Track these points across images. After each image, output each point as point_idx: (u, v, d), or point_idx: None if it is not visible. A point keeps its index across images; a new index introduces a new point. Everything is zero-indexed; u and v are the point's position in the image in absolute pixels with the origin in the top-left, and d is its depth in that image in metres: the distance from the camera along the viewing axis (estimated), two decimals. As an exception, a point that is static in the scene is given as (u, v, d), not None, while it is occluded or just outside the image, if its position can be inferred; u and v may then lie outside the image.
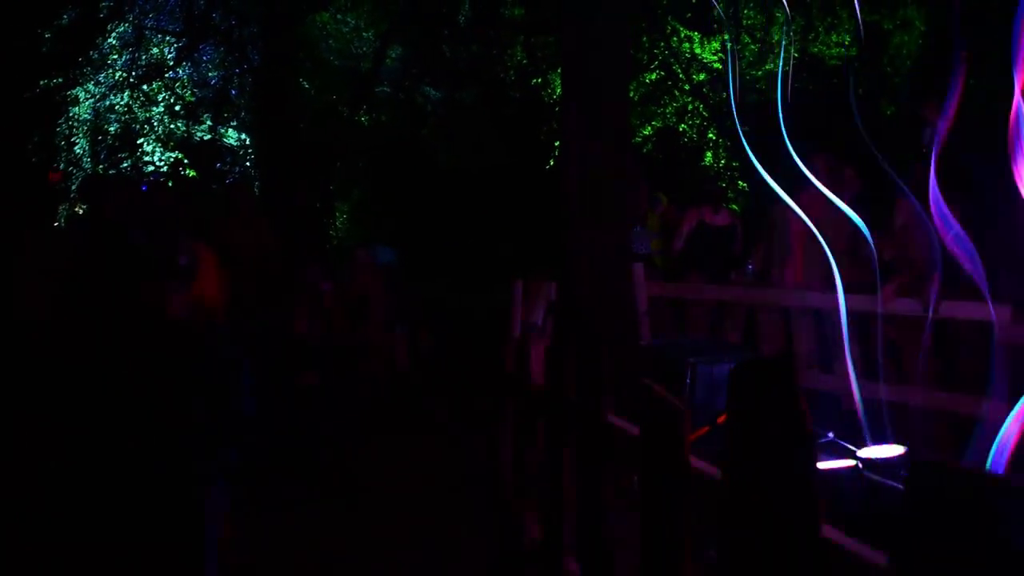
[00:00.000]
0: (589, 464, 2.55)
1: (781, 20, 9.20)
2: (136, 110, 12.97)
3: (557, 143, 9.09)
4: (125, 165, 13.14)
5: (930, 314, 4.65)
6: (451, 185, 13.46)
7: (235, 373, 3.89)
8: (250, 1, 12.17)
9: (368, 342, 7.21)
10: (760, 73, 10.54)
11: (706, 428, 3.21)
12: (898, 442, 3.88)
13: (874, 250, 4.88)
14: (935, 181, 3.51)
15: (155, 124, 13.06)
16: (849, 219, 4.22)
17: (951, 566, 1.07)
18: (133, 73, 12.83)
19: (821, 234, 4.25)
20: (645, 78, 10.45)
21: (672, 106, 10.60)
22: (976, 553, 1.06)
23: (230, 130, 14.05)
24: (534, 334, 3.53)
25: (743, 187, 10.30)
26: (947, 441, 4.59)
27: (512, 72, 12.20)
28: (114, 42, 12.75)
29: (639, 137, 10.76)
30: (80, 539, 2.78)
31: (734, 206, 10.73)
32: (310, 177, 12.27)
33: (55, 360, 3.01)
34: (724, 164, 10.42)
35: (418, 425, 5.91)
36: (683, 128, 10.61)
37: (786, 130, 4.18)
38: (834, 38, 9.64)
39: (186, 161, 13.26)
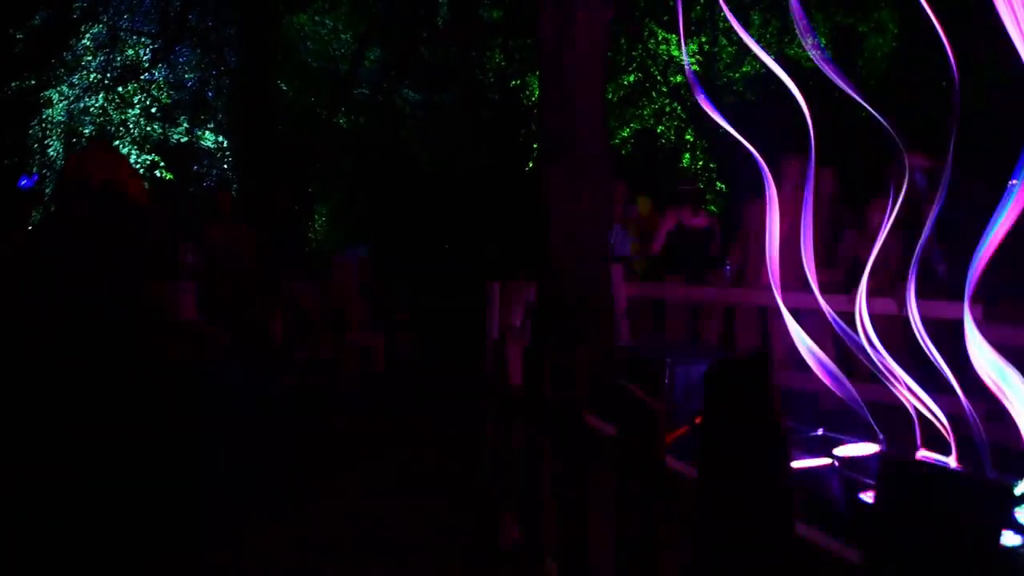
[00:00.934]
0: (568, 465, 2.55)
1: (757, 23, 9.28)
2: (111, 112, 12.83)
3: (536, 144, 9.12)
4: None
5: (905, 313, 4.71)
6: (431, 187, 13.44)
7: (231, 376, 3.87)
8: (227, 2, 12.10)
9: (346, 345, 7.19)
10: (737, 75, 10.61)
11: (684, 428, 3.23)
12: (876, 439, 3.92)
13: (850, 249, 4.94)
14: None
15: (131, 126, 12.93)
16: (824, 220, 4.26)
17: (922, 562, 1.08)
18: (108, 75, 12.70)
19: (795, 233, 4.29)
20: (623, 80, 10.49)
21: (650, 108, 10.65)
22: (946, 548, 1.07)
23: (207, 132, 13.95)
24: (512, 335, 3.54)
25: (721, 188, 10.37)
26: (925, 438, 4.63)
27: (491, 74, 12.20)
28: (88, 43, 12.62)
29: (618, 139, 10.80)
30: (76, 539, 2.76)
31: (712, 207, 10.80)
32: (289, 179, 12.21)
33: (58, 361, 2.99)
34: (702, 166, 10.49)
35: (395, 427, 5.89)
36: (661, 130, 10.67)
37: (760, 131, 4.21)
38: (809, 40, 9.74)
39: (162, 164, 13.14)
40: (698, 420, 3.34)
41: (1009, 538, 2.66)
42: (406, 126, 13.73)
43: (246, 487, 4.25)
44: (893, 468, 1.15)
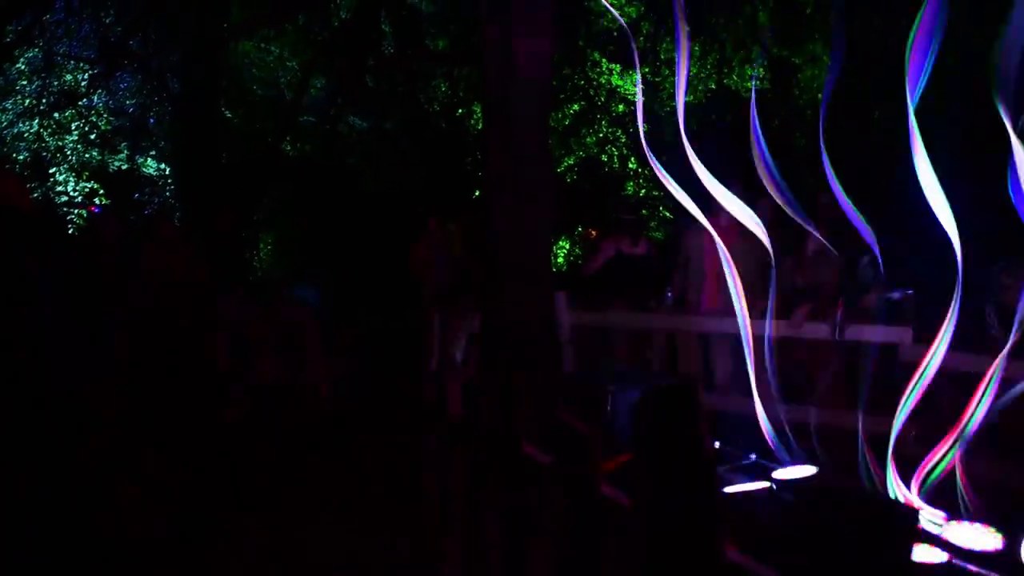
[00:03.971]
0: (507, 494, 2.56)
1: (698, 54, 9.52)
2: (47, 138, 12.54)
3: (481, 173, 9.17)
4: (36, 195, 12.67)
5: (837, 337, 4.85)
6: (379, 214, 13.38)
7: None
8: (171, 29, 11.96)
9: (292, 376, 7.09)
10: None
11: (625, 456, 3.25)
12: (812, 462, 4.00)
13: (786, 275, 5.05)
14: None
15: (68, 153, 12.64)
16: (762, 246, 4.36)
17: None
18: (44, 100, 12.42)
19: (734, 261, 4.37)
20: (568, 109, 10.65)
21: (594, 137, 10.82)
22: (862, 569, 1.11)
23: (149, 159, 13.71)
24: (453, 365, 3.54)
25: (664, 215, 10.56)
26: (859, 460, 4.73)
27: (436, 103, 12.26)
28: (23, 67, 12.33)
29: (563, 166, 10.94)
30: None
31: (658, 233, 10.96)
32: (233, 207, 12.04)
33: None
34: (645, 193, 10.68)
35: (340, 459, 5.82)
36: (605, 158, 10.84)
37: (699, 159, 4.30)
38: (748, 71, 10.01)
39: (101, 191, 12.86)
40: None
41: (934, 554, 2.75)
42: (354, 153, 13.69)
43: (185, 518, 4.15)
44: (808, 492, 1.19)
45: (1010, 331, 3.15)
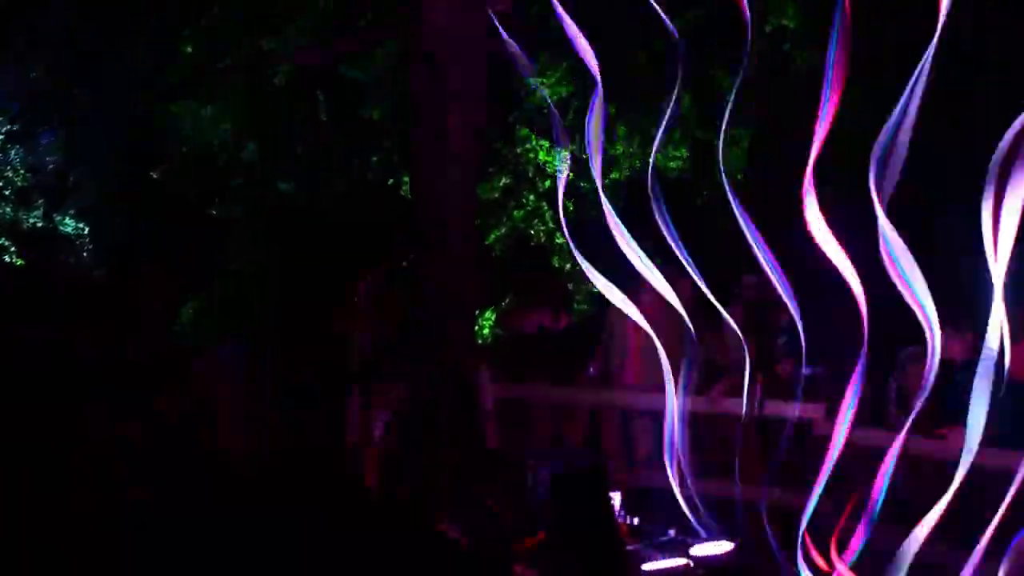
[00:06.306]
0: (423, 573, 2.50)
1: (622, 134, 9.83)
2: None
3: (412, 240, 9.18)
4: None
5: (755, 413, 4.97)
6: (309, 277, 13.22)
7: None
8: (101, 88, 11.78)
9: (205, 447, 6.81)
10: (607, 182, 11.10)
11: (539, 536, 3.23)
12: (729, 538, 4.05)
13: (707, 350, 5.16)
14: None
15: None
16: (683, 322, 4.46)
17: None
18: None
19: (657, 337, 4.46)
20: (496, 183, 10.83)
21: (522, 211, 11.00)
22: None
23: (67, 218, 13.31)
24: (371, 439, 3.49)
25: (587, 289, 10.72)
26: (776, 534, 4.80)
27: (369, 173, 12.31)
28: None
29: (492, 237, 11.03)
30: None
31: (584, 306, 11.08)
32: (157, 268, 11.74)
33: None
34: (571, 267, 10.84)
35: (254, 532, 5.59)
36: (532, 232, 11.00)
37: (628, 235, 4.41)
38: (671, 151, 10.38)
39: (13, 249, 12.38)
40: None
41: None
42: (281, 215, 13.56)
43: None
44: (722, 571, 1.22)
45: (907, 413, 3.29)
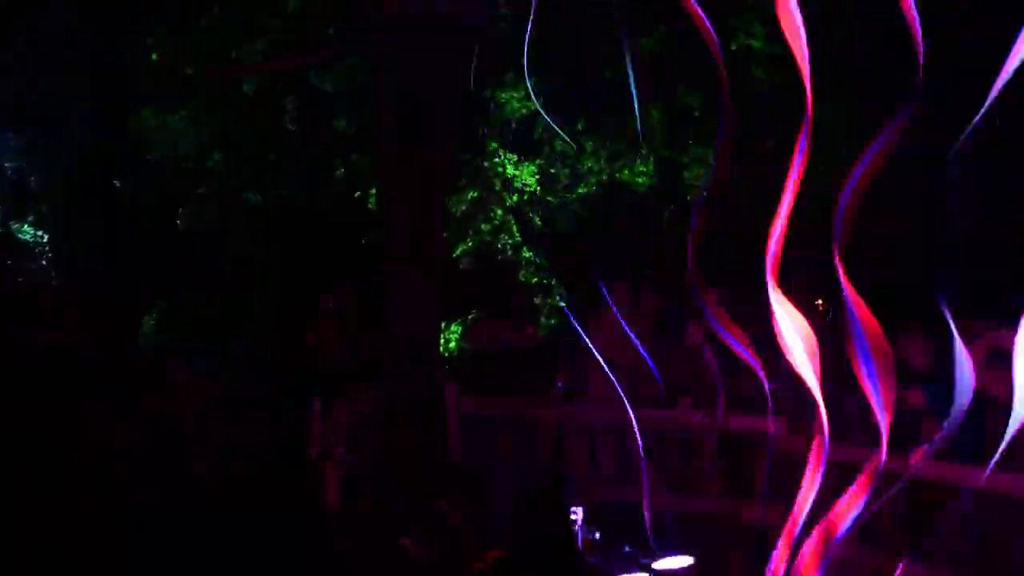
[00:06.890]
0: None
1: (590, 149, 9.92)
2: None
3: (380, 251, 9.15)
4: None
5: (718, 427, 5.01)
6: (275, 288, 13.09)
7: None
8: (67, 93, 11.60)
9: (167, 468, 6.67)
10: (574, 196, 11.20)
11: (497, 553, 3.23)
12: (689, 552, 4.08)
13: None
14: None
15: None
16: (646, 338, 4.49)
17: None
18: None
19: (620, 352, 4.49)
20: (464, 196, 10.85)
21: (490, 224, 11.02)
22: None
23: (26, 225, 13.06)
24: (332, 454, 3.46)
25: (554, 303, 10.78)
26: (736, 548, 4.85)
27: (334, 182, 12.26)
28: None
29: (459, 250, 11.04)
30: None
31: (552, 320, 11.11)
32: (122, 278, 11.56)
33: None
34: (536, 282, 10.88)
35: (218, 550, 5.51)
36: (499, 246, 11.03)
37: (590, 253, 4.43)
38: (638, 167, 10.49)
39: (-29, 255, 12.12)
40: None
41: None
42: (252, 228, 13.42)
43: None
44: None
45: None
